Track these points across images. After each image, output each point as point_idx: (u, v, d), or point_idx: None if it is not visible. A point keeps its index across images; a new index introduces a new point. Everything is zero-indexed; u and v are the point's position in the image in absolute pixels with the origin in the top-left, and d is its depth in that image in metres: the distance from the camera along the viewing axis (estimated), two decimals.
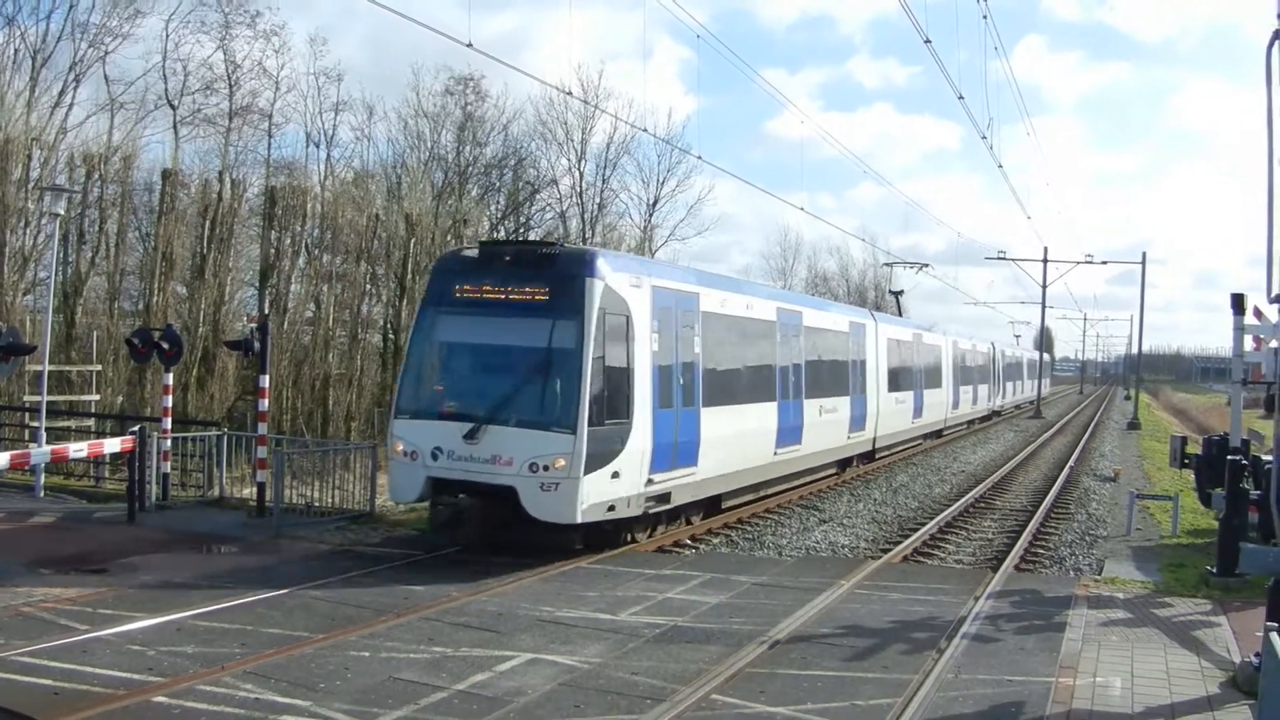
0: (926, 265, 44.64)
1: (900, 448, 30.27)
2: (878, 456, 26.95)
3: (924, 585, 12.41)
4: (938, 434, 36.26)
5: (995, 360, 49.99)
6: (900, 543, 15.79)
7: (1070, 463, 28.32)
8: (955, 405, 38.86)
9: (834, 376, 22.68)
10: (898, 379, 28.73)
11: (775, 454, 18.62)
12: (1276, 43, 8.75)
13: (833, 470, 23.45)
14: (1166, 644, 9.74)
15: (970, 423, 44.15)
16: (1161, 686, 8.44)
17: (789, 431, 19.27)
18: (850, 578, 12.54)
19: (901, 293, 45.89)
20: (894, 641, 9.66)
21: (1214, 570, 12.39)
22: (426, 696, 7.80)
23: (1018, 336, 77.96)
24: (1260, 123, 9.05)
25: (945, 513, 18.72)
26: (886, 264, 41.34)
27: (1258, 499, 11.09)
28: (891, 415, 27.42)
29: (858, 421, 24.10)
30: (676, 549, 15.29)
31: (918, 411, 31.47)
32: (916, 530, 16.93)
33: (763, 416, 18.16)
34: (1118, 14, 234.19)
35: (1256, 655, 7.82)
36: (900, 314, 43.65)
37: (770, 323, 18.93)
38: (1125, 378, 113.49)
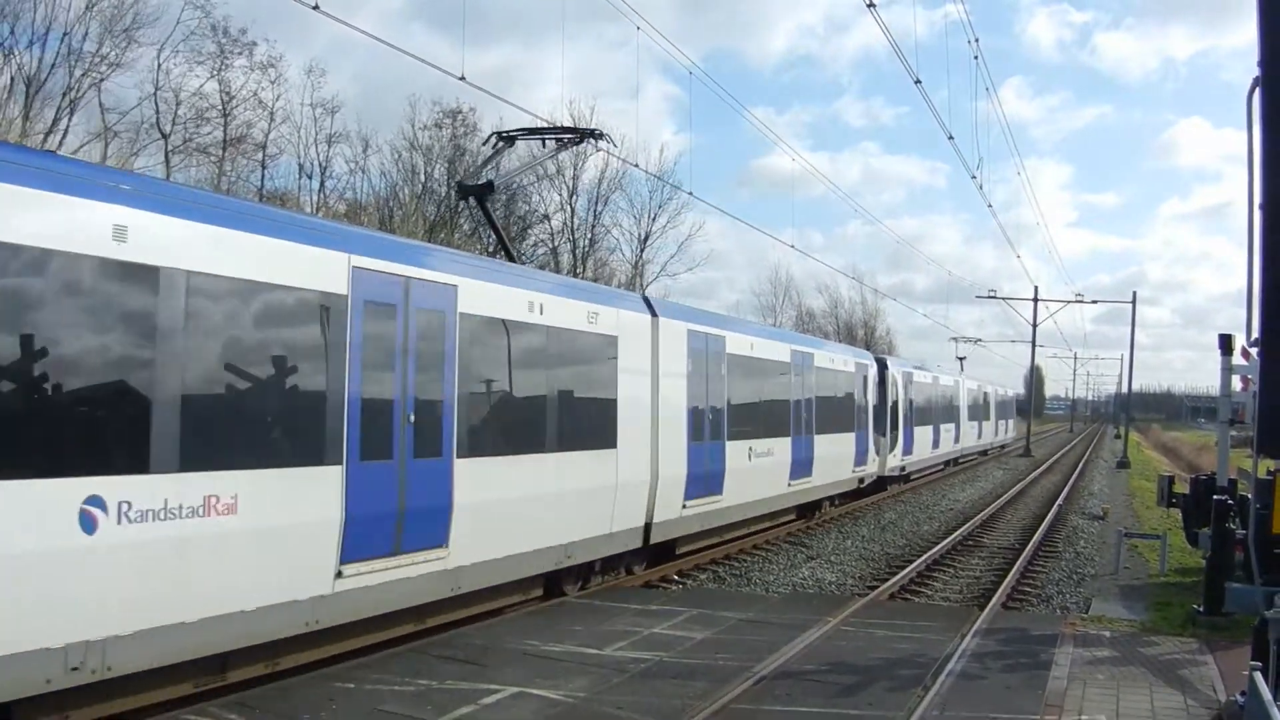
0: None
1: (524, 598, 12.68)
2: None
3: (910, 622, 12.39)
4: (769, 528, 20.02)
5: (896, 388, 30.74)
6: (888, 580, 15.78)
7: (1059, 501, 28.32)
8: (758, 478, 18.76)
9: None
10: (501, 426, 11.87)
11: None
12: (1257, 89, 8.91)
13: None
14: (1153, 682, 9.73)
15: (823, 502, 23.75)
16: None
17: None
18: (837, 614, 12.51)
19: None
20: (880, 678, 9.63)
21: (1201, 609, 12.41)
22: None
23: (962, 359, 61.92)
24: (1241, 164, 9.20)
25: (933, 550, 18.71)
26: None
27: (1243, 538, 11.13)
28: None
29: None
30: (664, 584, 15.27)
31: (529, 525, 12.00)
32: (904, 567, 16.91)
33: None
34: (1099, 56, 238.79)
35: (1242, 694, 7.85)
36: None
37: None
38: (1115, 416, 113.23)
